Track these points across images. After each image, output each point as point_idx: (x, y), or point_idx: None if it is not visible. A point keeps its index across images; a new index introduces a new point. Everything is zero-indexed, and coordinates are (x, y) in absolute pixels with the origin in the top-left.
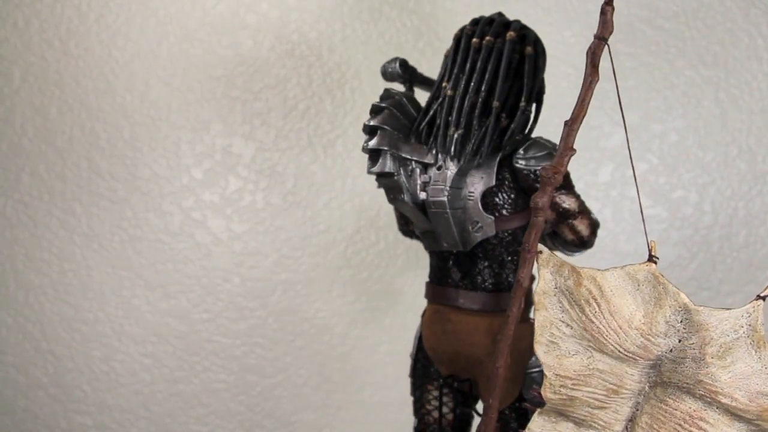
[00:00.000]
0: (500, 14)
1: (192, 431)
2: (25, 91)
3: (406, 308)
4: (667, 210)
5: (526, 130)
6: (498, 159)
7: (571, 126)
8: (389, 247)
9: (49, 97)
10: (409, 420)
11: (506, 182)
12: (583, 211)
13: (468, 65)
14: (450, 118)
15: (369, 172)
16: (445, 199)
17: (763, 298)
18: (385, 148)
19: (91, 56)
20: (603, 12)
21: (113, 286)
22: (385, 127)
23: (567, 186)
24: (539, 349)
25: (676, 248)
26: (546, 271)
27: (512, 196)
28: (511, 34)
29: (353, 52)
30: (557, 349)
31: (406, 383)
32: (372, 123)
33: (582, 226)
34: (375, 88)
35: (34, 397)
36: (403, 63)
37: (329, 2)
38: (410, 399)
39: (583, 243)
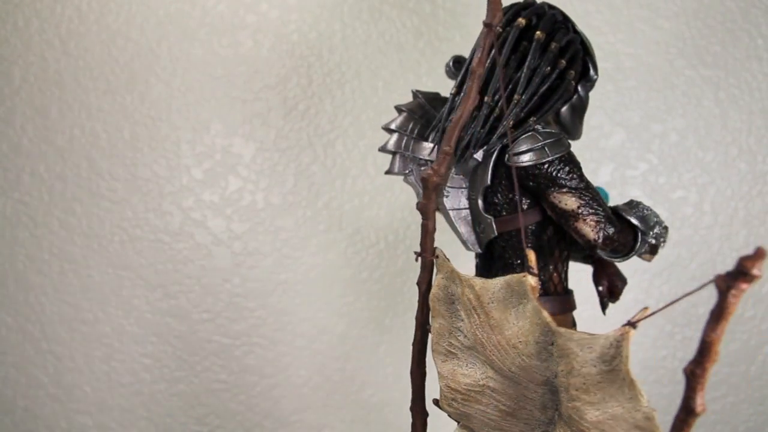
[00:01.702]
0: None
1: (192, 431)
2: (25, 91)
3: (406, 308)
4: (667, 210)
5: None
6: (494, 156)
7: (453, 125)
8: (389, 247)
9: (49, 97)
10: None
11: (503, 181)
12: (587, 212)
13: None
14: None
15: (385, 173)
16: (443, 199)
17: (633, 325)
18: (396, 150)
19: (91, 56)
20: None
21: (113, 286)
22: (398, 129)
23: (568, 183)
24: (437, 359)
25: (676, 248)
26: (440, 276)
27: (511, 195)
28: (520, 21)
29: (353, 52)
30: (455, 359)
31: (406, 383)
32: (387, 126)
33: (586, 228)
34: (375, 88)
35: (34, 397)
36: (457, 60)
37: (329, 2)
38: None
39: (594, 246)
